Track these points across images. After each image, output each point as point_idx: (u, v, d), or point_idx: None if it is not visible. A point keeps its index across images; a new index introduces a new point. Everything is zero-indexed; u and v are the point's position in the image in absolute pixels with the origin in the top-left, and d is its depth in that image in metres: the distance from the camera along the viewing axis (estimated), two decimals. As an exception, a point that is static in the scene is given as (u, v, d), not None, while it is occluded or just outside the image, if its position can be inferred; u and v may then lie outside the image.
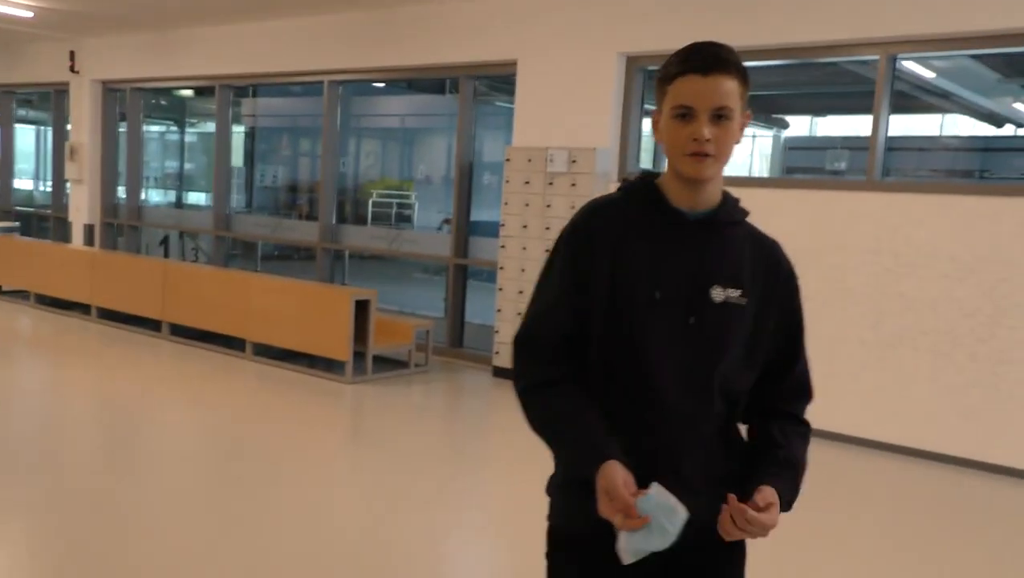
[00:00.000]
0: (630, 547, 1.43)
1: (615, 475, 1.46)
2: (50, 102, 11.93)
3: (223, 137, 10.00)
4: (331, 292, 7.21)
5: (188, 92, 13.14)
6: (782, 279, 1.67)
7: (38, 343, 8.17)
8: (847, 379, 5.74)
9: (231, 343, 7.68)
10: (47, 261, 9.43)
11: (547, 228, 7.00)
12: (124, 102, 10.96)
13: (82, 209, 11.17)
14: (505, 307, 7.22)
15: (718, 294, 1.58)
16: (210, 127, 11.25)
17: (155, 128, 14.67)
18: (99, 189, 11.15)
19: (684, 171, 1.56)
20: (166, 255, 11.89)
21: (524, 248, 7.13)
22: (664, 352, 1.57)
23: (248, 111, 13.46)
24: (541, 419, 1.62)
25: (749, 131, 8.89)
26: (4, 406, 5.92)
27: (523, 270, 7.13)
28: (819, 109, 18.04)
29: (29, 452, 4.86)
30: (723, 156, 1.55)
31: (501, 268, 7.28)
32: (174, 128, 14.87)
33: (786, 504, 1.56)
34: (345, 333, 6.75)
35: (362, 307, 6.90)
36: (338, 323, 6.80)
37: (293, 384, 6.80)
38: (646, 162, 7.22)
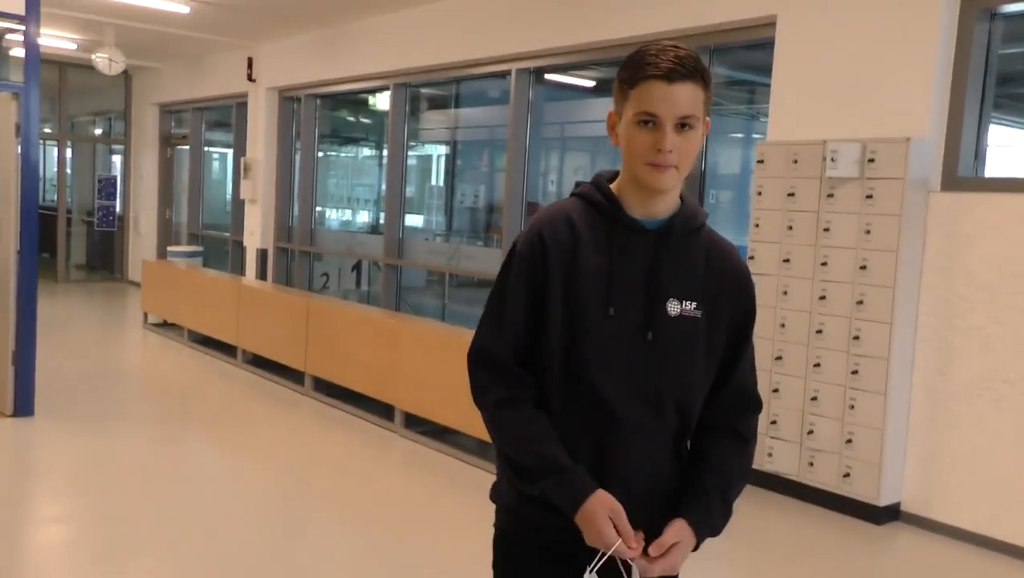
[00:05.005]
0: None
1: (613, 502, 1.50)
2: (233, 116, 11.00)
3: (397, 145, 8.37)
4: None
5: (385, 106, 11.87)
6: (736, 285, 1.63)
7: (171, 393, 6.80)
8: None
9: (381, 409, 5.89)
10: (200, 292, 8.21)
11: (823, 263, 4.57)
12: (299, 115, 9.71)
13: (255, 233, 10.02)
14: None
15: (673, 308, 1.56)
16: (425, 149, 9.71)
17: (364, 152, 13.64)
18: (273, 210, 9.96)
19: (644, 180, 1.53)
20: (357, 284, 10.56)
21: (785, 291, 4.75)
22: (619, 369, 1.55)
23: (448, 123, 11.95)
24: (513, 442, 1.60)
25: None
26: (117, 474, 4.45)
27: (783, 325, 4.74)
28: None
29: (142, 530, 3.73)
30: (684, 166, 1.52)
31: (747, 321, 4.93)
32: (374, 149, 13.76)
33: (710, 529, 1.56)
34: (516, 413, 4.70)
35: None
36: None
37: (450, 478, 4.86)
38: (995, 163, 4.58)
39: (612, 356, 1.54)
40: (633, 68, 1.50)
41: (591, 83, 9.96)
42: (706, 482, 1.59)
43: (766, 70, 5.11)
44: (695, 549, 1.56)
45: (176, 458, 5.13)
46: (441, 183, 13.70)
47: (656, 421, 1.57)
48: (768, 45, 5.13)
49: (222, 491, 4.61)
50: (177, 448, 5.32)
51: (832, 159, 4.43)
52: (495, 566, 1.68)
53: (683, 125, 1.48)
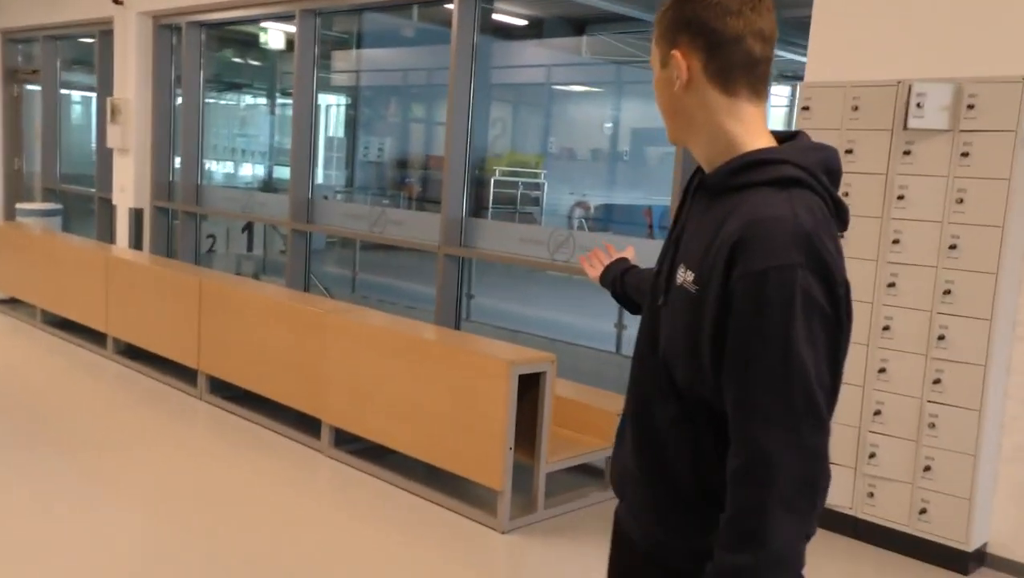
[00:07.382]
0: None
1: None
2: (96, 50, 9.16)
3: (305, 87, 6.92)
4: (468, 356, 3.87)
5: (277, 46, 10.20)
6: (719, 260, 1.21)
7: (21, 397, 5.24)
8: None
9: (303, 420, 4.60)
10: (58, 263, 6.60)
11: (894, 240, 3.56)
12: (179, 47, 8.05)
13: (127, 189, 8.35)
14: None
15: (680, 275, 1.32)
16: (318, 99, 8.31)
17: (249, 99, 11.95)
18: (149, 162, 8.30)
19: None
20: (249, 248, 9.03)
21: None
22: (643, 334, 1.42)
23: (349, 66, 10.43)
24: None
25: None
26: None
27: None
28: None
29: None
30: (669, 115, 1.38)
31: (784, 312, 3.88)
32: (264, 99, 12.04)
33: None
34: (498, 440, 3.51)
35: (530, 382, 3.65)
36: (485, 418, 3.57)
37: (393, 513, 3.64)
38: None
39: (643, 319, 1.43)
40: None
41: (523, 22, 8.72)
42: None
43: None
44: None
45: (29, 493, 3.70)
46: (341, 135, 12.20)
47: (646, 403, 1.37)
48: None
49: (95, 536, 3.25)
50: (29, 478, 3.88)
51: (918, 104, 3.38)
52: None
53: None
